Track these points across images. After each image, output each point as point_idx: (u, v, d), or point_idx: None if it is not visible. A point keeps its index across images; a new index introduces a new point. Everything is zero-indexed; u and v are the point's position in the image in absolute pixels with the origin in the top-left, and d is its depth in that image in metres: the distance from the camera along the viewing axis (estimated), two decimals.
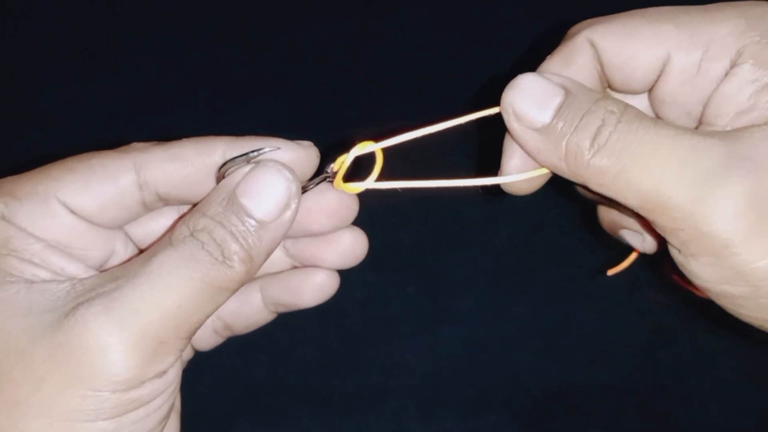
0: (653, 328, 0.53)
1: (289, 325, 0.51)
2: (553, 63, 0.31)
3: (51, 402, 0.25)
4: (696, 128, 0.31)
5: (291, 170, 0.29)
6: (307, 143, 0.31)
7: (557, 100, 0.29)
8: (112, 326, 0.25)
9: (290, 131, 0.59)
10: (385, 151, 0.32)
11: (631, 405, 0.52)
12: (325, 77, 0.61)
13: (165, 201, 0.32)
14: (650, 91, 0.32)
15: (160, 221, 0.34)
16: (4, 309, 0.26)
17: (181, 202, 0.32)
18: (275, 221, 0.29)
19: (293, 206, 0.29)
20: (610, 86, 0.33)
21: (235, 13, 0.63)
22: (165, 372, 0.27)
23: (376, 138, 0.32)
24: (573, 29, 0.32)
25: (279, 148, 0.30)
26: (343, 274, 0.37)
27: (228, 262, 0.28)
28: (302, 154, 0.31)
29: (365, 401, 0.52)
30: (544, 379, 0.53)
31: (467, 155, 0.49)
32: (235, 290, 0.28)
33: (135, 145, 0.31)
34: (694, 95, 0.30)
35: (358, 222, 0.35)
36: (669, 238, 0.28)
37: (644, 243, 0.34)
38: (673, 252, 0.28)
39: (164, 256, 0.27)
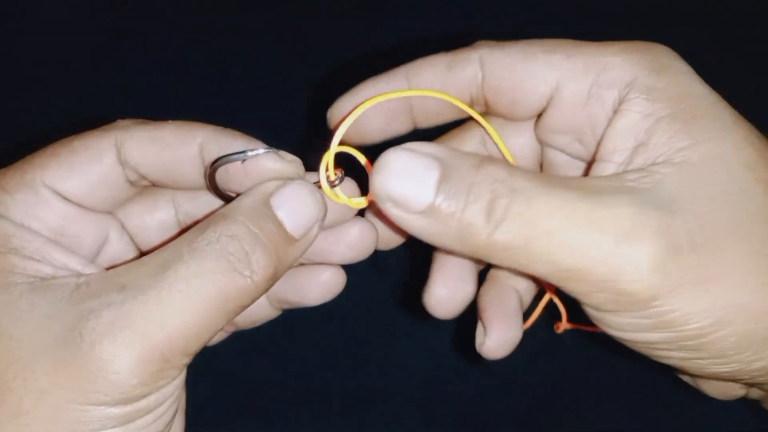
0: None
1: (289, 325, 0.51)
2: (439, 62, 0.31)
3: (55, 414, 0.25)
4: (591, 162, 0.30)
5: (322, 193, 0.29)
6: (292, 158, 0.30)
7: (434, 175, 0.26)
8: (118, 348, 0.25)
9: (290, 132, 0.59)
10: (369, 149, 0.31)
11: (632, 405, 0.52)
12: (325, 77, 0.61)
13: (148, 181, 0.31)
14: (537, 119, 0.32)
15: (154, 213, 0.33)
16: (8, 313, 0.26)
17: (162, 185, 0.31)
18: (300, 240, 0.28)
19: (316, 228, 0.29)
20: (488, 111, 0.32)
21: (235, 12, 0.63)
22: (171, 383, 0.27)
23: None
24: (476, 43, 0.31)
25: (277, 152, 0.29)
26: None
27: (253, 276, 0.26)
28: (290, 167, 0.30)
29: (365, 402, 0.52)
30: (544, 380, 0.53)
31: None
32: (249, 306, 0.27)
33: (118, 122, 0.30)
34: (584, 123, 0.30)
35: None
36: (584, 300, 0.27)
37: (483, 344, 0.33)
38: (588, 310, 0.27)
39: (181, 268, 0.26)
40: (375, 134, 0.33)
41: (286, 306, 0.37)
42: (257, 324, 0.37)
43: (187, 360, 0.27)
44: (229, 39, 0.62)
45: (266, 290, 0.28)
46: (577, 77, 0.29)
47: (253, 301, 0.27)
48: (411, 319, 0.54)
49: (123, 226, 0.33)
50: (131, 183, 0.31)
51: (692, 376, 0.34)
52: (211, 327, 0.26)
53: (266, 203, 0.28)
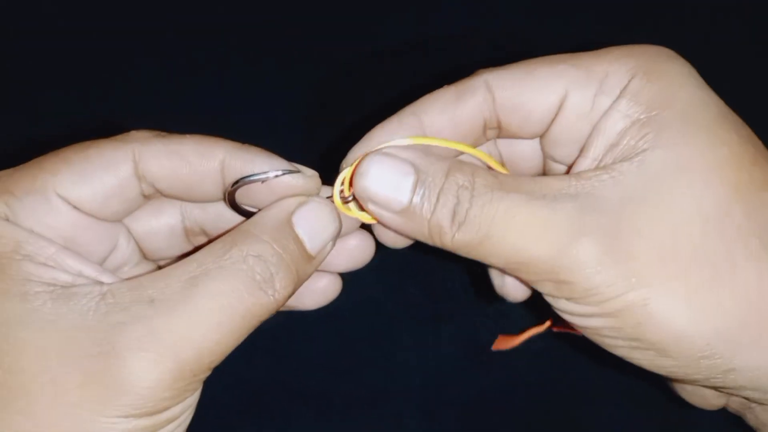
0: None
1: (289, 326, 0.51)
2: (447, 94, 0.32)
3: (83, 426, 0.25)
4: (573, 161, 0.31)
5: (338, 210, 0.31)
6: (312, 172, 0.31)
7: (410, 179, 0.29)
8: (149, 363, 0.25)
9: (290, 132, 0.59)
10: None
11: (632, 405, 0.52)
12: (325, 77, 0.61)
13: (164, 195, 0.31)
14: (542, 135, 0.33)
15: (161, 219, 0.34)
16: (31, 322, 0.25)
17: (176, 198, 0.32)
18: (317, 256, 0.30)
19: (331, 246, 0.31)
20: (500, 134, 0.33)
21: (235, 13, 0.63)
22: (193, 393, 0.28)
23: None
24: (477, 72, 0.32)
25: (299, 171, 0.30)
26: (344, 274, 0.37)
27: (275, 294, 0.28)
28: (310, 183, 0.31)
29: (366, 402, 0.52)
30: (545, 380, 0.53)
31: None
32: (266, 318, 0.29)
33: (133, 134, 0.30)
34: (588, 131, 0.31)
35: None
36: (536, 287, 0.30)
37: (503, 284, 0.36)
38: (545, 297, 0.30)
39: (210, 285, 0.27)
40: None
41: (284, 308, 0.37)
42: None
43: (210, 371, 0.28)
44: (229, 39, 0.62)
45: (284, 304, 0.29)
46: (583, 83, 0.30)
47: (271, 313, 0.29)
48: (411, 319, 0.54)
49: (129, 232, 0.33)
50: (145, 196, 0.31)
51: (669, 380, 0.35)
52: (235, 342, 0.28)
53: (288, 221, 0.29)
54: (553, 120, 0.31)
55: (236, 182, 0.30)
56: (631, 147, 0.29)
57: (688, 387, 0.35)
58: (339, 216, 0.31)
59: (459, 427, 0.52)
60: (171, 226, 0.34)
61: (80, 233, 0.30)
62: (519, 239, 0.28)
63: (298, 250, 0.29)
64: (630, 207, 0.27)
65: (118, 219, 0.32)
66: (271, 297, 0.28)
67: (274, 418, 0.52)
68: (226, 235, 0.29)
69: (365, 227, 0.34)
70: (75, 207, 0.29)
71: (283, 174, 0.30)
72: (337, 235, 0.31)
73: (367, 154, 0.30)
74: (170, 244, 0.34)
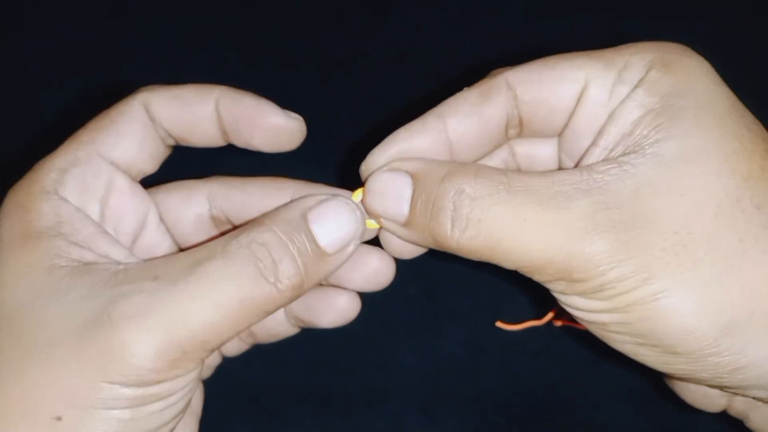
0: None
1: None
2: (471, 95, 0.31)
3: (71, 390, 0.26)
4: (585, 151, 0.31)
5: (362, 211, 0.31)
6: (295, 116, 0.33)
7: (407, 192, 0.29)
8: (140, 333, 0.26)
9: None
10: None
11: (632, 405, 0.52)
12: (325, 78, 0.61)
13: (173, 136, 0.33)
14: (561, 132, 0.32)
15: (190, 207, 0.35)
16: (47, 293, 0.27)
17: (184, 141, 0.33)
18: (333, 255, 0.29)
19: (352, 246, 0.30)
20: (522, 133, 0.33)
21: (235, 12, 0.63)
22: (186, 374, 0.28)
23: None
24: (492, 72, 0.32)
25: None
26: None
27: (278, 284, 0.28)
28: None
29: (365, 402, 0.52)
30: (545, 380, 0.53)
31: None
32: (271, 313, 0.28)
33: (140, 89, 0.33)
34: (604, 121, 0.30)
35: None
36: (549, 287, 0.29)
37: None
38: (555, 294, 0.30)
39: (212, 267, 0.27)
40: None
41: (302, 324, 0.37)
42: (275, 339, 0.38)
43: (204, 355, 0.28)
44: (229, 39, 0.62)
45: (292, 300, 0.29)
46: (602, 74, 0.30)
47: (278, 308, 0.28)
48: (411, 319, 0.54)
49: (161, 217, 0.34)
50: (162, 140, 0.33)
51: (670, 378, 0.35)
52: (232, 327, 0.27)
53: (303, 216, 0.29)
54: (573, 112, 0.31)
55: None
56: (643, 137, 0.28)
57: (692, 387, 0.35)
58: (363, 218, 0.31)
59: (459, 428, 0.52)
60: (198, 214, 0.35)
61: (118, 197, 0.32)
62: (531, 243, 0.27)
63: (308, 244, 0.29)
64: (642, 199, 0.27)
65: (151, 169, 0.33)
66: (273, 286, 0.27)
67: (273, 417, 0.52)
68: (244, 224, 0.30)
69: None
70: (116, 166, 0.31)
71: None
72: (360, 237, 0.30)
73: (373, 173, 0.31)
74: (198, 232, 0.35)
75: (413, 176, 0.30)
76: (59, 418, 0.26)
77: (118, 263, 0.29)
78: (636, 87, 0.29)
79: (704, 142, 0.27)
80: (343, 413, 0.52)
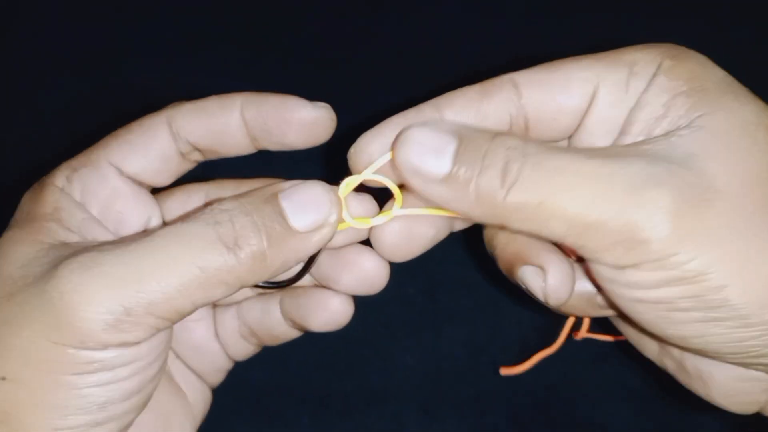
0: None
1: None
2: (471, 90, 0.31)
3: (25, 349, 0.26)
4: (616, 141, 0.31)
5: (339, 200, 0.29)
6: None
7: (452, 146, 0.27)
8: (81, 284, 0.25)
9: None
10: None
11: (633, 406, 0.52)
12: (325, 78, 0.61)
13: (198, 151, 0.33)
14: (571, 135, 0.32)
15: (188, 207, 0.35)
16: (23, 260, 0.28)
17: (211, 152, 0.33)
18: (303, 234, 0.28)
19: (326, 230, 0.29)
20: (528, 136, 0.32)
21: (235, 12, 0.63)
22: (134, 343, 0.26)
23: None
24: (500, 76, 0.31)
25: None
26: None
27: (236, 251, 0.26)
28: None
29: (365, 402, 0.52)
30: (545, 380, 0.53)
31: None
32: (233, 287, 0.27)
33: (168, 105, 0.33)
34: (623, 116, 0.30)
35: None
36: (601, 257, 0.27)
37: (546, 285, 0.31)
38: (603, 270, 0.28)
39: (168, 230, 0.27)
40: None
41: (296, 327, 0.37)
42: (279, 341, 0.38)
43: (155, 323, 0.26)
44: (229, 39, 0.62)
45: (255, 274, 0.27)
46: (613, 72, 0.30)
47: (240, 282, 0.27)
48: (411, 319, 0.54)
49: (163, 220, 0.35)
50: (183, 155, 0.33)
51: (710, 357, 0.31)
52: (186, 295, 0.26)
53: (274, 194, 0.28)
54: (585, 114, 0.31)
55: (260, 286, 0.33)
56: (680, 116, 0.27)
57: (730, 385, 0.32)
58: (338, 202, 0.29)
59: (459, 428, 0.52)
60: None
61: (121, 201, 0.32)
62: (585, 197, 0.25)
63: (275, 218, 0.28)
64: (699, 163, 0.26)
65: (164, 182, 0.34)
66: (232, 255, 0.26)
67: (273, 418, 0.52)
68: None
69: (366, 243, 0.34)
70: (123, 173, 0.32)
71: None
72: (336, 220, 0.29)
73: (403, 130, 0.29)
74: None
75: (457, 133, 0.28)
76: (3, 378, 0.26)
77: (93, 241, 0.30)
78: (654, 76, 0.29)
79: (749, 114, 0.27)
80: (342, 413, 0.52)
